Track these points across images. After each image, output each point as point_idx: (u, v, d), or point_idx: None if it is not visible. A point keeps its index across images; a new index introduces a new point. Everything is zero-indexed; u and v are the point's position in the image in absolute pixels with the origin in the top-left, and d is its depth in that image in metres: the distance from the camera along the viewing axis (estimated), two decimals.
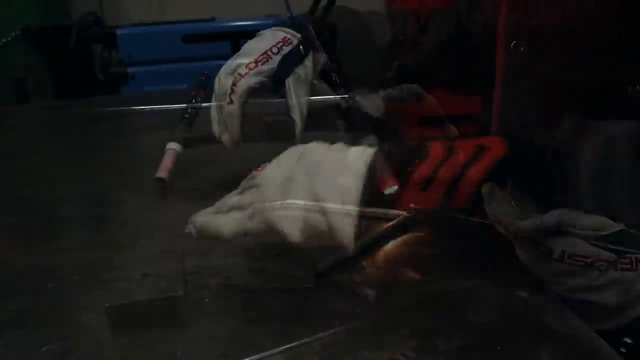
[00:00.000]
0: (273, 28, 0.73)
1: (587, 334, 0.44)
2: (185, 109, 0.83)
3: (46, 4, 2.02)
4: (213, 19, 2.02)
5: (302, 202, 0.45)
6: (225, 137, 0.68)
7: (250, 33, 2.08)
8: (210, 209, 0.51)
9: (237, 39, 1.87)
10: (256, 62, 0.68)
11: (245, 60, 0.68)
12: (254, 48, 0.70)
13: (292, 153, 0.50)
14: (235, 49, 2.11)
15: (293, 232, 0.45)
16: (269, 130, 0.67)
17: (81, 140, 1.01)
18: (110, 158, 0.91)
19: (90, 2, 2.20)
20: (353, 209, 0.44)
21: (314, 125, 0.76)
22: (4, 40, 1.78)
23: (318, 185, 0.45)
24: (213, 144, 0.76)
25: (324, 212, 0.44)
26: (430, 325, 0.42)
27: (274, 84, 0.68)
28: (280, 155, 0.50)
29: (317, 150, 0.49)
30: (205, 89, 0.90)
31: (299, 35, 0.71)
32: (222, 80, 0.68)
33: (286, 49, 0.69)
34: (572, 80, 0.63)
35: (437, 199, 0.47)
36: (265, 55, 0.68)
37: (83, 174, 0.84)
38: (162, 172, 0.73)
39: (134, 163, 0.85)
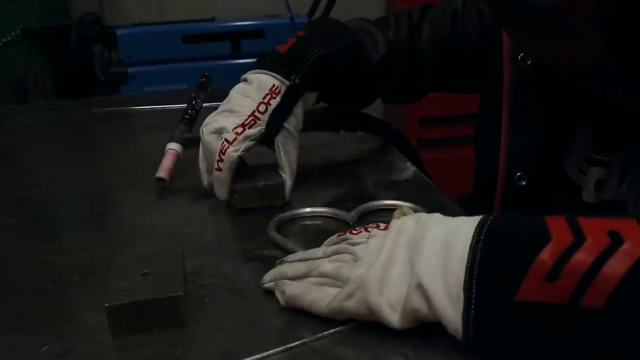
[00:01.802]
0: (260, 71, 0.69)
1: None
2: (185, 110, 0.83)
3: (46, 4, 2.02)
4: (213, 19, 2.02)
5: (404, 286, 0.42)
6: (215, 191, 0.68)
7: (250, 33, 2.09)
8: (299, 268, 0.49)
9: (237, 39, 1.87)
10: (243, 125, 0.65)
11: (231, 122, 0.66)
12: (240, 105, 0.67)
13: (396, 228, 0.46)
14: (236, 49, 2.11)
15: (393, 319, 0.43)
16: (260, 195, 0.67)
17: (81, 140, 1.01)
18: (110, 158, 0.91)
19: (90, 2, 2.20)
20: (458, 295, 0.40)
21: (314, 126, 0.77)
22: (4, 40, 1.77)
23: (421, 268, 0.42)
24: None
25: (427, 297, 0.41)
26: (430, 325, 0.42)
27: (263, 144, 0.67)
28: (390, 232, 0.46)
29: (420, 223, 0.46)
30: (206, 90, 0.90)
31: (287, 82, 0.67)
32: (207, 138, 0.67)
33: (274, 102, 0.66)
34: (584, 96, 0.61)
35: (566, 293, 0.37)
36: (252, 117, 0.66)
37: (83, 173, 0.84)
38: (162, 172, 0.73)
39: (134, 163, 0.85)
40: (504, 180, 0.69)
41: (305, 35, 0.72)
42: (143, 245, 0.62)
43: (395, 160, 0.81)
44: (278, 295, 0.49)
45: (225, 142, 0.65)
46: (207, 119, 0.69)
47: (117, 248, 0.60)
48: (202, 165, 0.69)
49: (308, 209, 0.66)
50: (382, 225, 0.49)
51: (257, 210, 0.66)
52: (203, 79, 0.93)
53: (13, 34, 1.80)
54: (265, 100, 0.67)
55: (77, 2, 2.21)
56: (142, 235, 0.64)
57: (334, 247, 0.50)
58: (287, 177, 0.68)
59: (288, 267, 0.50)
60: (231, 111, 0.67)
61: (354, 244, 0.49)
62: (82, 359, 0.45)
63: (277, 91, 0.67)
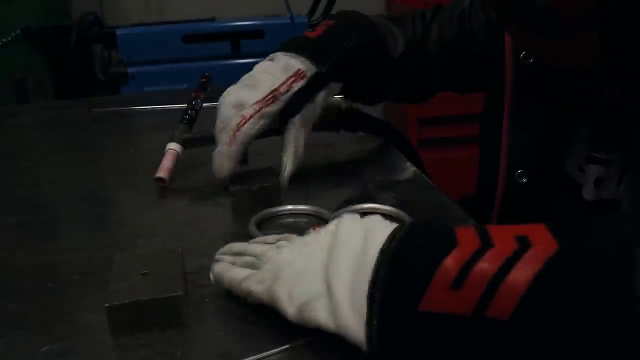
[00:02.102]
0: (288, 53, 0.68)
1: None
2: (185, 110, 0.83)
3: (46, 4, 2.03)
4: (213, 19, 2.02)
5: (314, 286, 0.42)
6: (216, 167, 0.67)
7: (250, 33, 2.09)
8: (239, 246, 0.51)
9: (237, 39, 1.87)
10: (264, 100, 0.65)
11: (252, 96, 0.65)
12: (263, 80, 0.66)
13: (331, 227, 0.45)
14: (235, 49, 2.11)
15: (291, 312, 0.42)
16: (255, 196, 0.67)
17: (81, 140, 1.01)
18: (110, 158, 0.91)
19: (90, 2, 2.20)
20: (363, 305, 0.38)
21: (323, 126, 0.77)
22: (4, 40, 1.78)
23: (333, 273, 0.41)
24: (213, 144, 0.77)
25: (333, 306, 0.40)
26: None
27: (279, 124, 0.66)
28: (326, 229, 0.46)
29: (345, 227, 0.44)
30: (206, 90, 0.90)
31: (314, 68, 0.66)
32: (224, 111, 0.66)
33: (296, 86, 0.65)
34: (585, 95, 0.61)
35: (470, 303, 0.35)
36: (273, 95, 0.65)
37: (83, 173, 0.84)
38: (162, 172, 0.73)
39: (134, 163, 0.85)
40: (505, 178, 0.69)
41: (336, 25, 0.72)
42: (143, 245, 0.62)
43: (395, 160, 0.81)
44: (210, 275, 0.51)
45: (241, 119, 0.64)
46: (228, 90, 0.68)
47: (117, 248, 0.60)
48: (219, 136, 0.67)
49: (289, 207, 0.66)
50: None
51: (257, 210, 0.66)
52: (203, 79, 0.93)
53: (13, 34, 1.80)
54: (289, 82, 0.66)
55: (77, 2, 2.21)
56: (142, 235, 0.64)
57: (282, 235, 0.51)
58: (289, 163, 0.67)
59: (235, 244, 0.52)
60: (252, 85, 0.66)
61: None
62: (82, 359, 0.45)
63: (302, 75, 0.66)
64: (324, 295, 0.41)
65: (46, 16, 1.97)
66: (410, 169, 0.78)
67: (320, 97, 0.68)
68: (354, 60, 0.69)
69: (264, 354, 0.43)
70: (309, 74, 0.66)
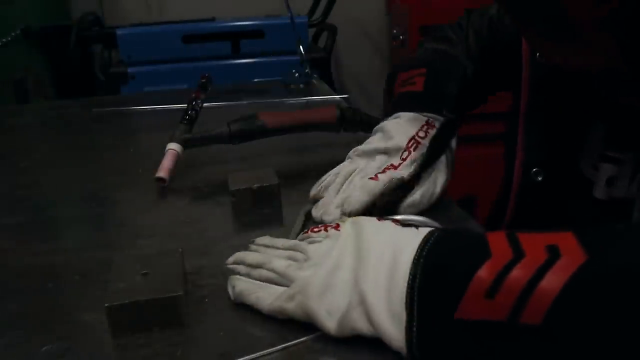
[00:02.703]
0: (412, 114, 0.69)
1: None
2: (185, 110, 0.83)
3: (46, 4, 2.02)
4: (213, 19, 2.02)
5: (347, 296, 0.43)
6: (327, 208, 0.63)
7: (250, 33, 2.09)
8: (255, 257, 0.50)
9: (237, 39, 1.87)
10: (407, 149, 0.65)
11: (395, 143, 0.65)
12: (397, 130, 0.67)
13: (346, 232, 0.47)
14: (236, 49, 2.11)
15: (330, 326, 0.43)
16: (255, 196, 0.67)
17: (81, 140, 1.01)
18: (110, 158, 0.91)
19: (90, 2, 2.20)
20: (400, 313, 0.40)
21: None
22: (4, 40, 1.78)
23: (366, 285, 0.42)
24: (213, 144, 0.77)
25: (369, 315, 0.41)
26: None
27: (421, 169, 0.65)
28: (341, 236, 0.47)
29: (368, 231, 0.46)
30: (206, 90, 0.90)
31: (440, 117, 0.67)
32: (358, 161, 0.67)
33: (431, 133, 0.66)
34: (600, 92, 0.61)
35: (504, 310, 0.37)
36: (415, 141, 0.65)
37: (83, 174, 0.84)
38: (162, 172, 0.73)
39: (134, 163, 0.85)
40: (521, 176, 0.70)
41: (431, 72, 0.73)
42: (143, 245, 0.62)
43: None
44: (229, 289, 0.50)
45: (390, 166, 0.64)
46: (367, 141, 0.69)
47: (117, 248, 0.60)
48: (329, 178, 0.67)
49: None
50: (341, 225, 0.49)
51: (257, 210, 0.66)
52: (203, 80, 0.93)
53: (13, 34, 1.80)
54: (424, 129, 0.67)
55: (77, 2, 2.21)
56: (142, 235, 0.64)
57: (291, 242, 0.51)
58: (423, 198, 0.64)
59: (248, 255, 0.51)
60: (390, 137, 0.67)
61: (311, 242, 0.49)
62: (82, 359, 0.45)
63: (432, 124, 0.67)
64: (359, 304, 0.42)
65: (46, 16, 1.97)
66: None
67: (454, 142, 0.69)
68: (462, 98, 0.72)
69: (264, 352, 0.43)
70: (437, 123, 0.68)
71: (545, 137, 0.68)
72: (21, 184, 0.81)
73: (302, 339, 0.44)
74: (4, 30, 1.79)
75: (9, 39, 1.79)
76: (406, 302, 0.40)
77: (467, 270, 0.39)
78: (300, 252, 0.49)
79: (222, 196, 0.70)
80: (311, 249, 0.48)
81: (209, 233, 0.65)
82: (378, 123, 0.84)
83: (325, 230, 0.49)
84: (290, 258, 0.49)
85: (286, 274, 0.47)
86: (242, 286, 0.49)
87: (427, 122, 0.67)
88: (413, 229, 0.45)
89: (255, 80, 1.53)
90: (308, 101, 1.17)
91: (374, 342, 0.43)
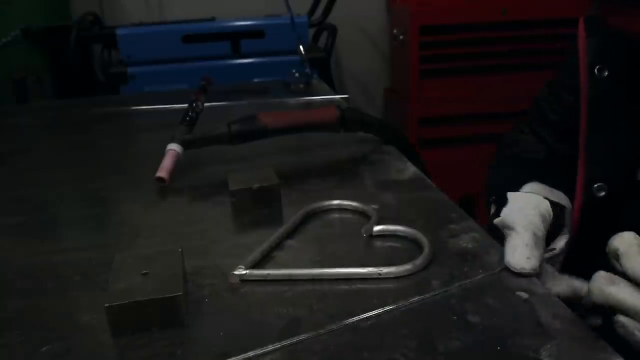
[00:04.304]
0: (532, 194, 0.63)
1: (586, 333, 0.44)
2: (186, 112, 0.83)
3: (46, 4, 2.02)
4: (213, 19, 2.02)
5: None
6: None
7: (250, 33, 2.09)
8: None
9: (237, 39, 1.87)
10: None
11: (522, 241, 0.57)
12: (523, 216, 0.58)
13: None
14: (236, 49, 2.11)
15: None
16: (255, 196, 0.67)
17: (81, 140, 1.01)
18: (110, 158, 0.91)
19: (90, 2, 2.20)
20: None
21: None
22: (4, 40, 1.78)
23: None
24: (213, 145, 0.77)
25: None
26: (430, 325, 0.42)
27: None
28: None
29: None
30: (206, 92, 0.91)
31: (557, 204, 0.63)
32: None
33: (549, 218, 0.60)
34: None
35: None
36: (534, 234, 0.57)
37: (83, 174, 0.84)
38: (162, 172, 0.73)
39: (134, 163, 0.86)
40: (583, 191, 0.70)
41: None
42: (143, 245, 0.62)
43: (395, 160, 0.81)
44: (594, 289, 0.45)
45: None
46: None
47: (117, 248, 0.60)
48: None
49: (336, 202, 0.66)
50: None
51: (257, 210, 0.66)
52: (203, 82, 0.94)
53: (13, 34, 1.80)
54: (544, 216, 0.60)
55: (77, 2, 2.21)
56: (142, 235, 0.64)
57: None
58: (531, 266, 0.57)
59: (627, 294, 0.44)
60: (516, 228, 0.58)
61: None
62: (82, 359, 0.45)
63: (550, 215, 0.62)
64: None
65: (46, 16, 1.97)
66: (410, 169, 0.78)
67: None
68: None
69: (263, 350, 0.43)
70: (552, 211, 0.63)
71: (608, 152, 0.68)
72: (21, 184, 0.81)
73: (301, 338, 0.44)
74: (4, 30, 1.79)
75: (9, 39, 1.79)
76: None
77: None
78: None
79: (222, 196, 0.70)
80: None
81: (209, 233, 0.65)
82: (378, 123, 0.83)
83: None
84: None
85: None
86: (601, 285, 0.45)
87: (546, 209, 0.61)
88: None
89: (255, 80, 1.54)
90: (308, 101, 1.17)
91: (375, 342, 0.43)
